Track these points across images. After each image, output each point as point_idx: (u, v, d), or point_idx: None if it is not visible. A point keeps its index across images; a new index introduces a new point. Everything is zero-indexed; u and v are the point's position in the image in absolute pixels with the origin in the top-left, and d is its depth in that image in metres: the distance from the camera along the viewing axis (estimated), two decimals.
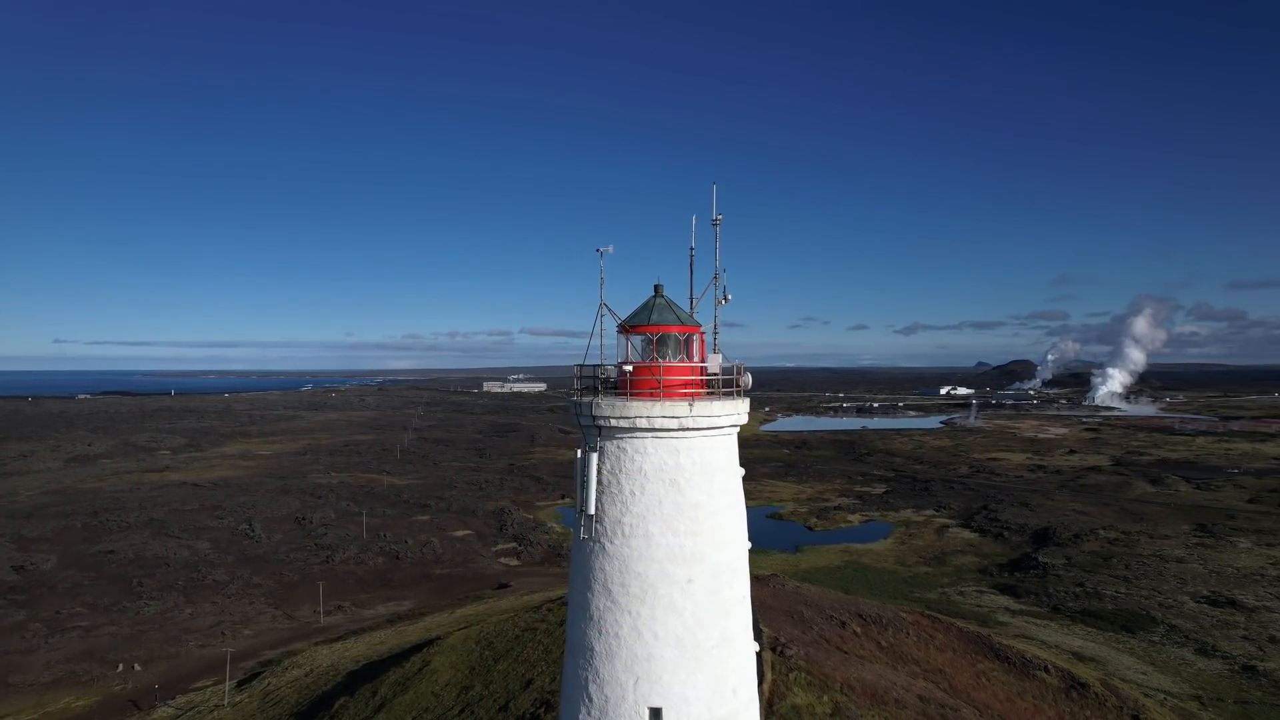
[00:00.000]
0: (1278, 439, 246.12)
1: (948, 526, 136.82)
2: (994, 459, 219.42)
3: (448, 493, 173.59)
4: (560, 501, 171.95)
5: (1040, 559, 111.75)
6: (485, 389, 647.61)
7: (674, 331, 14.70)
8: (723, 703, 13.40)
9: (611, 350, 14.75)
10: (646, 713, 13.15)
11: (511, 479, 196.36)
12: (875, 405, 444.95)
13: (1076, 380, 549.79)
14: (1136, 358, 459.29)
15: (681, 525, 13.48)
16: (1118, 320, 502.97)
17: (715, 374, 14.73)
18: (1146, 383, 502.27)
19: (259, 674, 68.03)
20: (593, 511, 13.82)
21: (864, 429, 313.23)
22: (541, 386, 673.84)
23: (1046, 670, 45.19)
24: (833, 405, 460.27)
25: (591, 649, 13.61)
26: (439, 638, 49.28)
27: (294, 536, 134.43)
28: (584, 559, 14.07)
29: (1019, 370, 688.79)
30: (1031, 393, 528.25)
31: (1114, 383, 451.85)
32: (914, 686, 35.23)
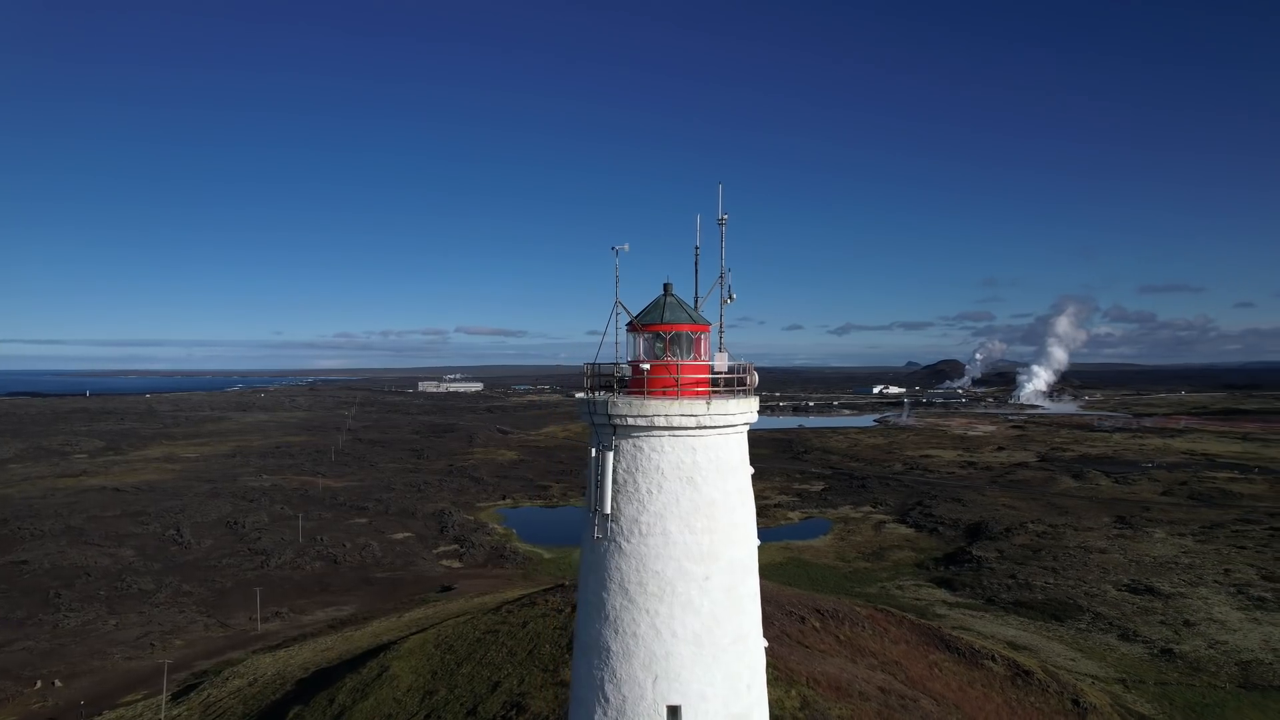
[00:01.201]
0: (1185, 435, 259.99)
1: (885, 522, 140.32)
2: (927, 456, 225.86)
3: (385, 494, 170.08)
4: (500, 503, 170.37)
5: (974, 553, 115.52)
6: (421, 389, 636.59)
7: (687, 330, 14.75)
8: (738, 699, 13.50)
9: (609, 349, 14.67)
10: (665, 711, 13.15)
11: (451, 480, 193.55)
12: (811, 404, 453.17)
13: (1002, 379, 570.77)
14: (1060, 357, 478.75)
15: (699, 523, 13.52)
16: (1041, 321, 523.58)
17: (723, 372, 14.80)
18: (1067, 381, 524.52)
19: (196, 685, 65.49)
20: (609, 510, 13.74)
21: (800, 427, 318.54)
22: (478, 386, 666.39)
23: (993, 660, 46.90)
24: (769, 404, 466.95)
25: (608, 648, 13.52)
26: (393, 642, 48.14)
27: (226, 541, 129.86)
28: (598, 559, 13.97)
29: (948, 370, 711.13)
30: (960, 391, 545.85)
31: (1039, 381, 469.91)
32: (874, 679, 36.14)
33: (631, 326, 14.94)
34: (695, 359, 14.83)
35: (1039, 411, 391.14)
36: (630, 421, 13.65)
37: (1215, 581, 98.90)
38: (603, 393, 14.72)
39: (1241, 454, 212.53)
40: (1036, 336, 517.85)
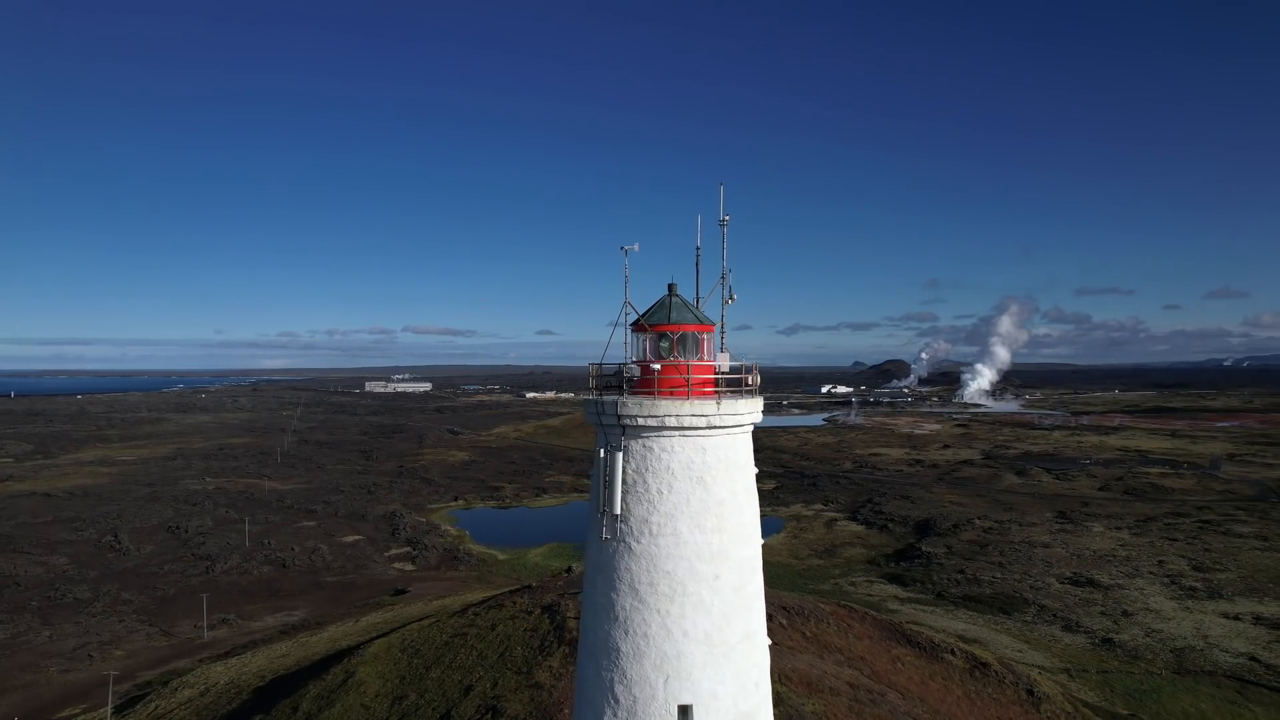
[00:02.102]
0: (1119, 432, 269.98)
1: (836, 520, 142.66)
2: (875, 454, 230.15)
3: (334, 497, 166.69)
4: (452, 504, 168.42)
5: (923, 549, 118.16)
6: (368, 389, 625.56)
7: (693, 330, 14.80)
8: (747, 696, 13.60)
9: (615, 350, 14.62)
10: (676, 710, 13.17)
11: (401, 481, 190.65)
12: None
13: (946, 379, 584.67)
14: (1003, 356, 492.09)
15: (708, 522, 13.57)
16: (984, 321, 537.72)
17: (726, 372, 14.88)
18: (1009, 381, 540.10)
19: (142, 696, 63.21)
20: (618, 511, 13.70)
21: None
22: (427, 386, 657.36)
23: (952, 653, 48.08)
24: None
25: (618, 649, 13.48)
26: (355, 647, 47.08)
27: (168, 547, 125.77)
28: (606, 559, 13.93)
29: (893, 369, 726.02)
30: (906, 391, 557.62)
31: (983, 380, 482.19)
32: (842, 674, 36.73)
33: (638, 327, 14.92)
34: (700, 359, 14.90)
35: (982, 410, 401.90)
36: (641, 422, 13.66)
37: (1150, 573, 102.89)
38: (610, 393, 14.68)
39: (1171, 450, 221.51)
40: (979, 337, 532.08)
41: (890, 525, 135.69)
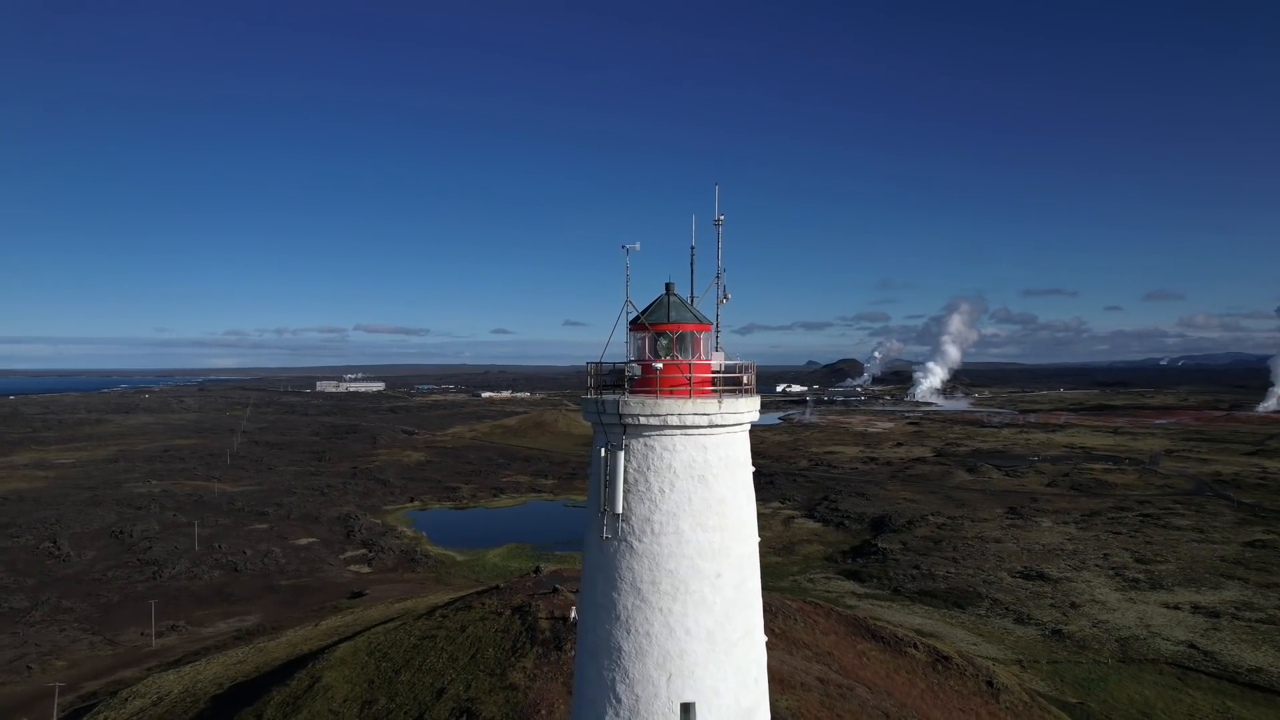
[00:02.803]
0: (1065, 430, 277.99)
1: (793, 517, 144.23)
2: (830, 452, 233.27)
3: (286, 499, 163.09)
4: (408, 505, 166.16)
5: (879, 545, 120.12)
6: (319, 388, 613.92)
7: (692, 329, 14.80)
8: (748, 693, 13.65)
9: (615, 349, 14.55)
10: (679, 708, 13.15)
11: (356, 482, 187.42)
12: None
13: (899, 378, 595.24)
14: (954, 355, 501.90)
15: (710, 520, 13.58)
16: (935, 320, 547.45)
17: (720, 371, 14.91)
18: (958, 379, 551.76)
19: (88, 708, 61.01)
20: (620, 510, 13.61)
21: None
22: (380, 386, 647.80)
23: (915, 647, 49.00)
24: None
25: (619, 648, 13.41)
26: (317, 652, 45.95)
27: (111, 552, 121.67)
28: (607, 559, 13.84)
29: (847, 368, 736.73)
30: (859, 389, 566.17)
31: (934, 378, 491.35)
32: (812, 670, 37.12)
33: (638, 325, 14.88)
34: (698, 358, 14.91)
35: (933, 408, 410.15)
36: (643, 421, 13.61)
37: (1096, 565, 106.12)
38: (609, 392, 14.61)
39: (1114, 447, 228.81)
40: (931, 336, 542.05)
41: (846, 522, 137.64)
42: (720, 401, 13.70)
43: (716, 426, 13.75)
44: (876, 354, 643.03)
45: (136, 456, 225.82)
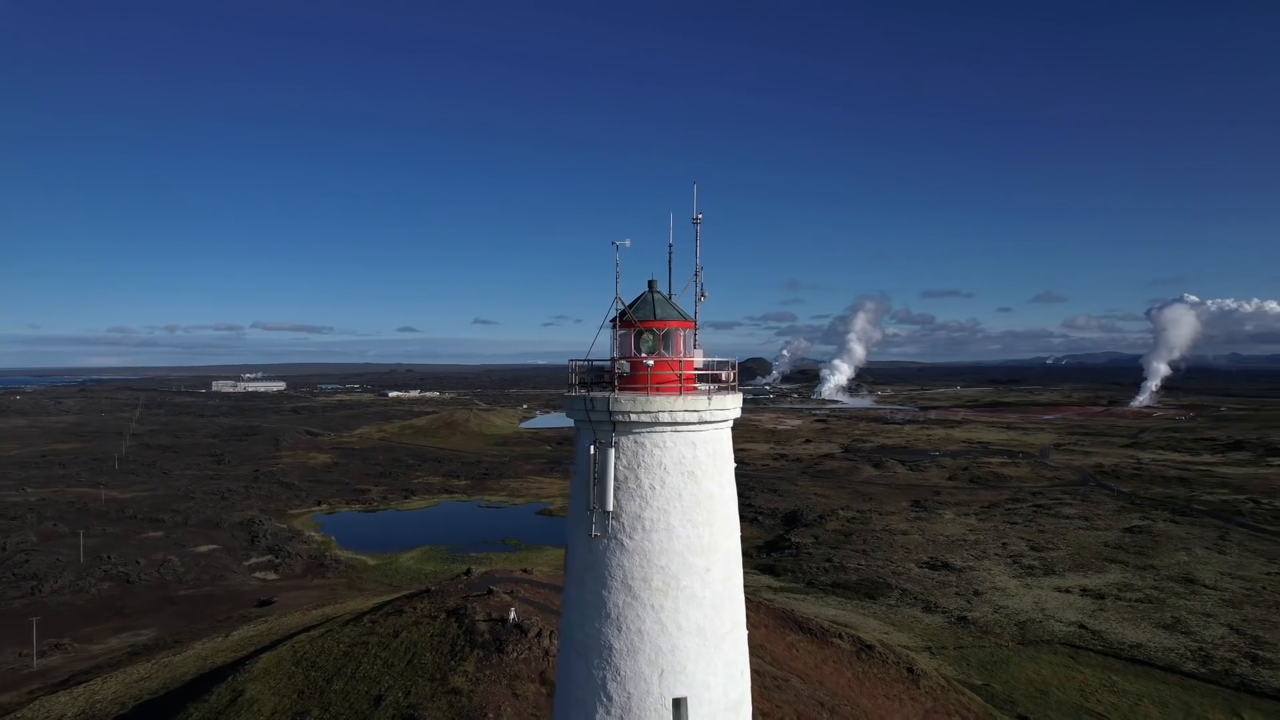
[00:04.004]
0: (963, 425, 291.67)
1: None
2: (742, 449, 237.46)
3: (183, 504, 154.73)
4: (315, 509, 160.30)
5: (792, 539, 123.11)
6: (215, 388, 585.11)
7: (676, 326, 14.75)
8: (735, 686, 13.70)
9: (593, 346, 14.34)
10: (670, 704, 13.07)
11: (259, 486, 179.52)
12: None
13: (806, 376, 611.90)
14: (859, 353, 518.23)
15: (700, 516, 13.58)
16: (841, 319, 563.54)
17: (707, 368, 14.93)
18: (862, 378, 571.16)
19: None
20: (610, 508, 13.41)
21: None
22: (281, 385, 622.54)
23: (840, 638, 50.49)
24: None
25: (610, 646, 13.25)
26: (236, 664, 43.44)
27: None
28: (596, 557, 13.63)
29: (755, 367, 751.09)
30: (768, 388, 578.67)
31: (841, 376, 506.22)
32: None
33: (626, 323, 14.74)
34: (683, 355, 14.89)
35: (839, 406, 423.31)
36: (634, 418, 13.50)
37: (995, 554, 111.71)
38: (597, 389, 14.41)
39: (1008, 441, 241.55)
40: (837, 335, 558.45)
41: (760, 518, 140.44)
42: (710, 398, 13.77)
43: (706, 423, 13.82)
44: (785, 352, 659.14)
45: (8, 462, 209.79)
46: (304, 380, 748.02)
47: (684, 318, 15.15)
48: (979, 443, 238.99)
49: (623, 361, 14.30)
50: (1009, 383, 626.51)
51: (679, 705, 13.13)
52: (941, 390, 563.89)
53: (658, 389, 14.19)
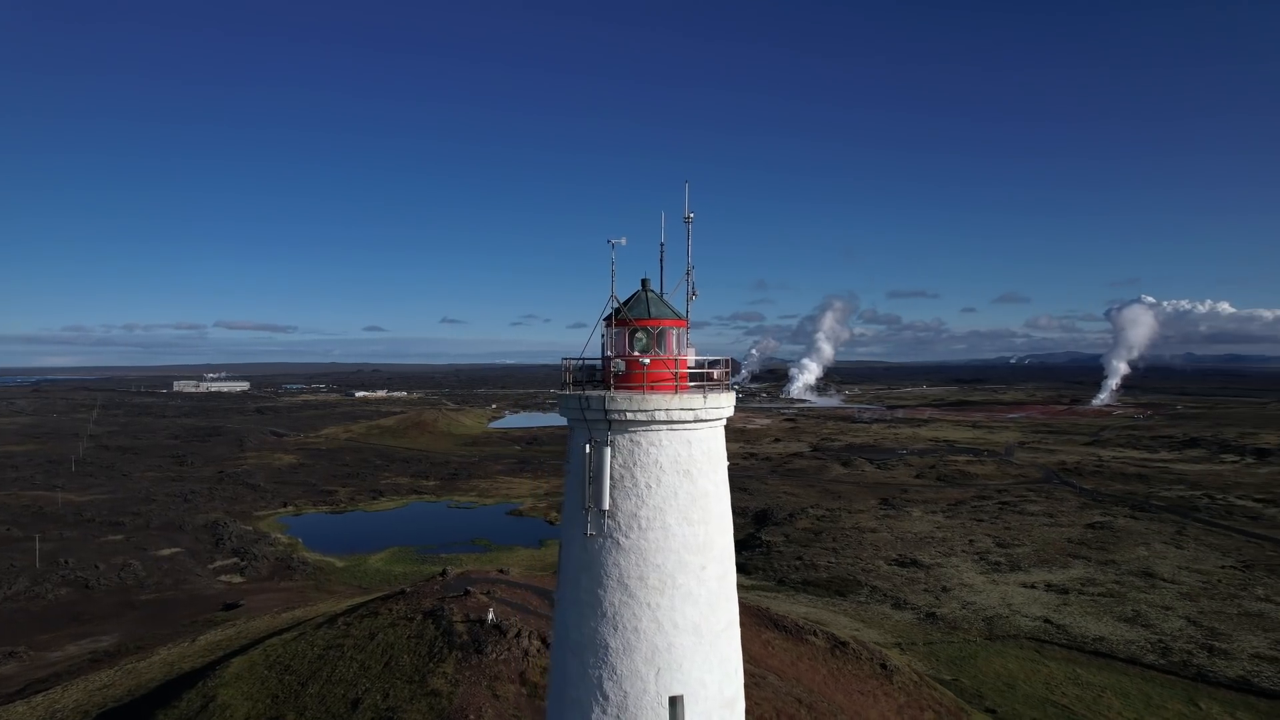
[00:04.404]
0: (930, 424, 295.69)
1: None
2: None
3: (144, 507, 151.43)
4: (281, 511, 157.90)
5: (763, 538, 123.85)
6: (177, 389, 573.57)
7: (671, 325, 14.77)
8: (730, 683, 13.75)
9: (586, 345, 14.26)
10: (667, 702, 13.06)
11: (223, 488, 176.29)
12: None
13: (774, 375, 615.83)
14: (828, 352, 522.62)
15: (695, 514, 13.61)
16: (809, 319, 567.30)
17: (702, 367, 14.95)
18: (830, 377, 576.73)
19: None
20: (607, 507, 13.36)
21: None
22: (244, 385, 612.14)
23: (815, 635, 50.93)
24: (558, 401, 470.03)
25: (606, 645, 13.22)
26: (206, 669, 42.44)
27: None
28: (592, 556, 13.58)
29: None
30: (737, 387, 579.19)
31: (810, 375, 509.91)
32: None
33: (621, 321, 14.71)
34: (677, 353, 14.90)
35: (808, 405, 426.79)
36: (630, 416, 13.48)
37: (963, 551, 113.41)
38: (591, 387, 14.36)
39: (974, 439, 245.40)
40: (805, 335, 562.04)
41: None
42: (705, 396, 13.80)
43: (701, 421, 13.86)
44: (754, 352, 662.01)
45: None
46: (268, 380, 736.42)
47: (677, 316, 15.18)
48: (945, 441, 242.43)
49: (619, 360, 14.28)
50: (974, 382, 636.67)
51: (675, 703, 13.16)
52: (908, 389, 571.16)
53: (653, 387, 14.21)
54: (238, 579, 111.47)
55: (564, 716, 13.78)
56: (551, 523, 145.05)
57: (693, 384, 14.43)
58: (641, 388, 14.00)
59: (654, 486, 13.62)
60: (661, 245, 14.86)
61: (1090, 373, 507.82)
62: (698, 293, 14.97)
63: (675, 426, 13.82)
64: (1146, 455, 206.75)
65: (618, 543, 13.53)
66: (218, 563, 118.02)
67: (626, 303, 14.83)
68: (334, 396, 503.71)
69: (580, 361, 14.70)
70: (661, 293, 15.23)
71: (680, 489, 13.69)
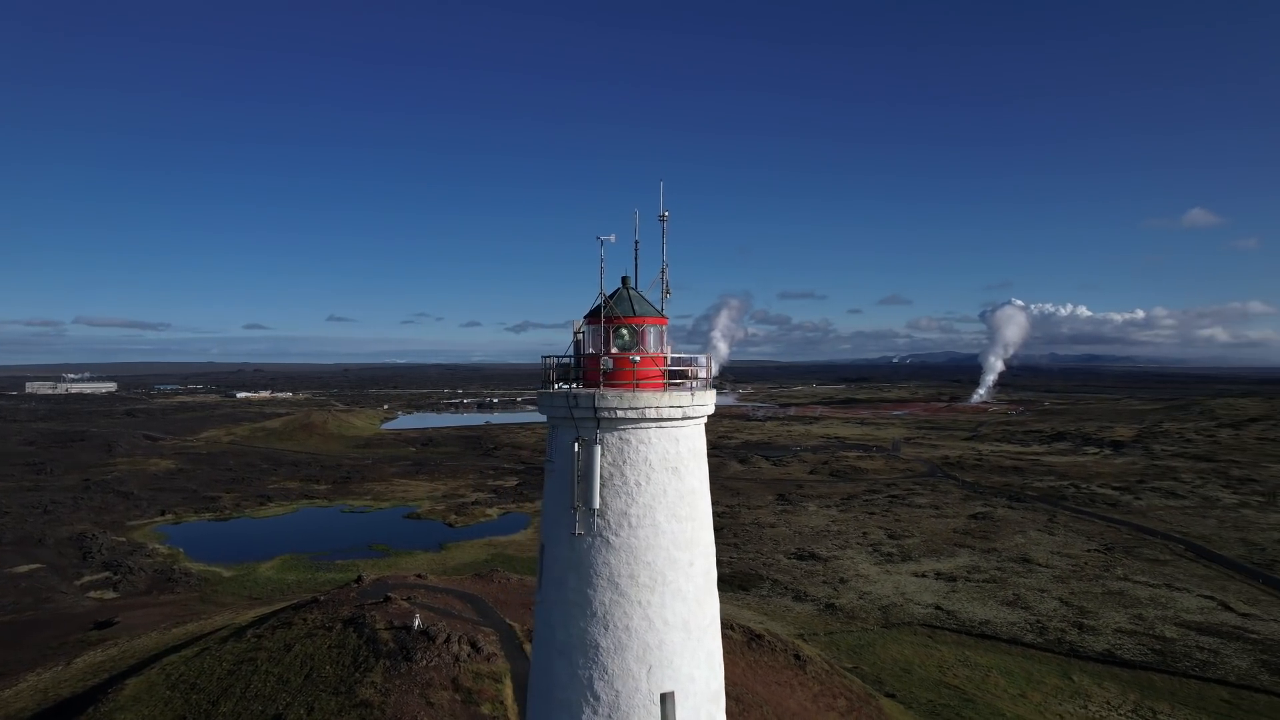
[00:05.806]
0: (821, 421, 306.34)
1: None
2: None
3: None
4: (159, 519, 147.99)
5: None
6: (30, 390, 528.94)
7: (652, 323, 14.62)
8: (715, 677, 13.74)
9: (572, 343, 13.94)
10: (658, 699, 12.90)
11: (89, 497, 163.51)
12: (495, 400, 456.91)
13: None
14: (724, 351, 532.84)
15: (683, 511, 13.55)
16: (704, 318, 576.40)
17: (687, 364, 14.90)
18: (724, 376, 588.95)
19: None
20: (597, 505, 13.06)
21: (488, 424, 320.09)
22: (111, 386, 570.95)
23: (732, 628, 51.81)
24: (453, 401, 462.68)
25: (596, 645, 12.98)
26: (92, 695, 38.80)
27: None
28: (580, 555, 13.27)
29: None
30: None
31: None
32: None
33: (605, 319, 14.46)
34: (658, 351, 14.80)
35: None
36: (620, 414, 13.30)
37: (857, 544, 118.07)
38: (578, 385, 14.05)
39: (863, 436, 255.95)
40: (700, 335, 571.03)
41: None
42: (693, 394, 13.80)
43: (688, 418, 13.84)
44: None
45: None
46: (138, 380, 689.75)
47: (659, 314, 15.15)
48: (836, 438, 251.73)
49: (607, 358, 14.12)
50: (859, 381, 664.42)
51: (666, 699, 13.14)
52: (799, 388, 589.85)
53: (635, 385, 14.09)
54: (110, 594, 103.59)
55: (550, 719, 13.49)
56: (451, 525, 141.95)
57: (675, 380, 14.46)
58: (630, 385, 13.91)
59: (643, 484, 13.56)
60: (636, 243, 14.86)
61: (967, 371, 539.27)
62: (671, 291, 15.03)
63: (664, 424, 13.82)
64: (1020, 449, 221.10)
65: (607, 541, 13.38)
66: (86, 578, 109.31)
67: (613, 302, 14.67)
68: (213, 398, 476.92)
69: (560, 359, 14.44)
70: (636, 289, 15.15)
71: (669, 486, 13.68)
